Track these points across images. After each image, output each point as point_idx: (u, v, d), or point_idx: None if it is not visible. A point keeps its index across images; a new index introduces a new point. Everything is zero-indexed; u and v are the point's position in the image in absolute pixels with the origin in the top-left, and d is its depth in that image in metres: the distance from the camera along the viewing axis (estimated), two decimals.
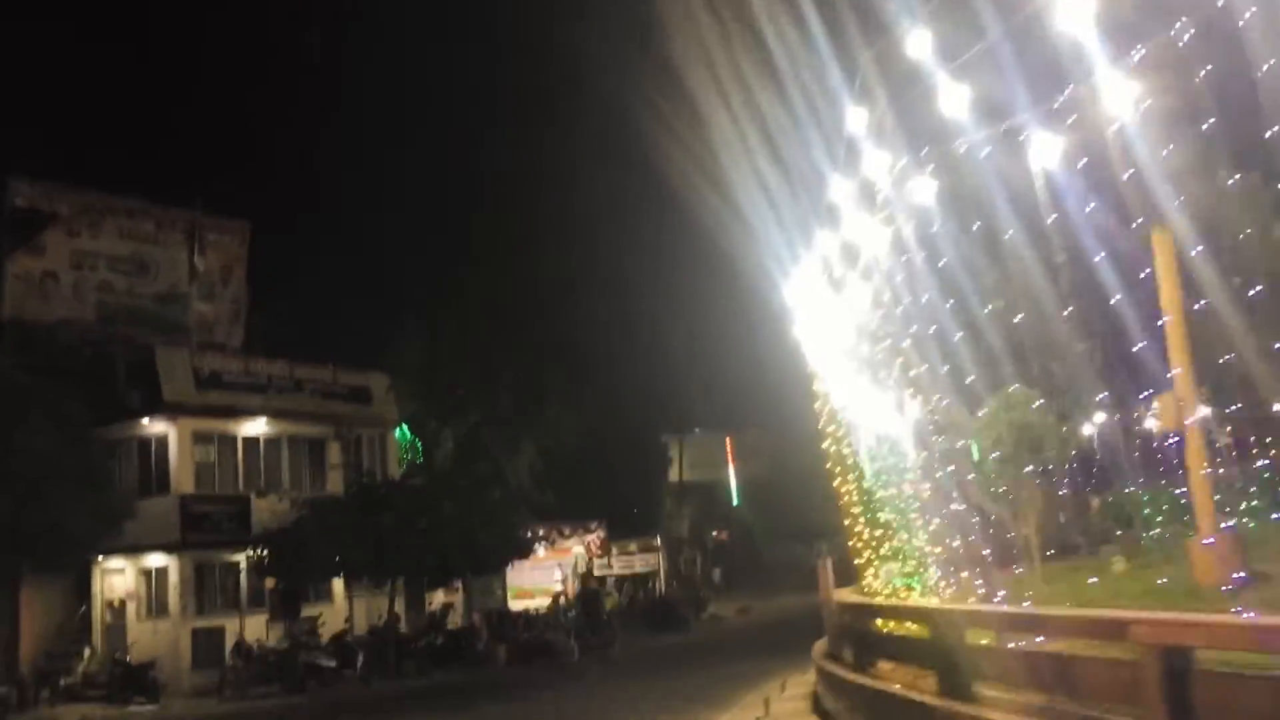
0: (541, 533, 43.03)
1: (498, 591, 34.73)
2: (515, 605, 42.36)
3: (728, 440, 76.86)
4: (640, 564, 47.27)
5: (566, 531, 43.39)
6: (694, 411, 63.33)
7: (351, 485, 29.78)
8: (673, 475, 65.51)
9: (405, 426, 47.54)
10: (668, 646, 29.36)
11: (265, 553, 26.78)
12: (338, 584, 29.57)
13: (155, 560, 27.85)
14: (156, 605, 27.90)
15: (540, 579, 44.46)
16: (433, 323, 48.28)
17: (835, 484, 17.11)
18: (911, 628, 10.83)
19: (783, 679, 17.33)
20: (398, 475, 34.42)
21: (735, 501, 79.61)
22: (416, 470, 37.03)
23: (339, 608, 29.22)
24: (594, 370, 50.24)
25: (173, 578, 27.31)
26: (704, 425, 72.83)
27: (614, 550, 46.59)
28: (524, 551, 33.43)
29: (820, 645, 15.89)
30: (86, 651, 26.44)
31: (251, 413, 29.59)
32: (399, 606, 29.33)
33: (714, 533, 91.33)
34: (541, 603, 40.98)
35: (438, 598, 32.26)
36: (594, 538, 44.36)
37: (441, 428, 47.19)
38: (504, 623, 31.68)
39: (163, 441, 28.41)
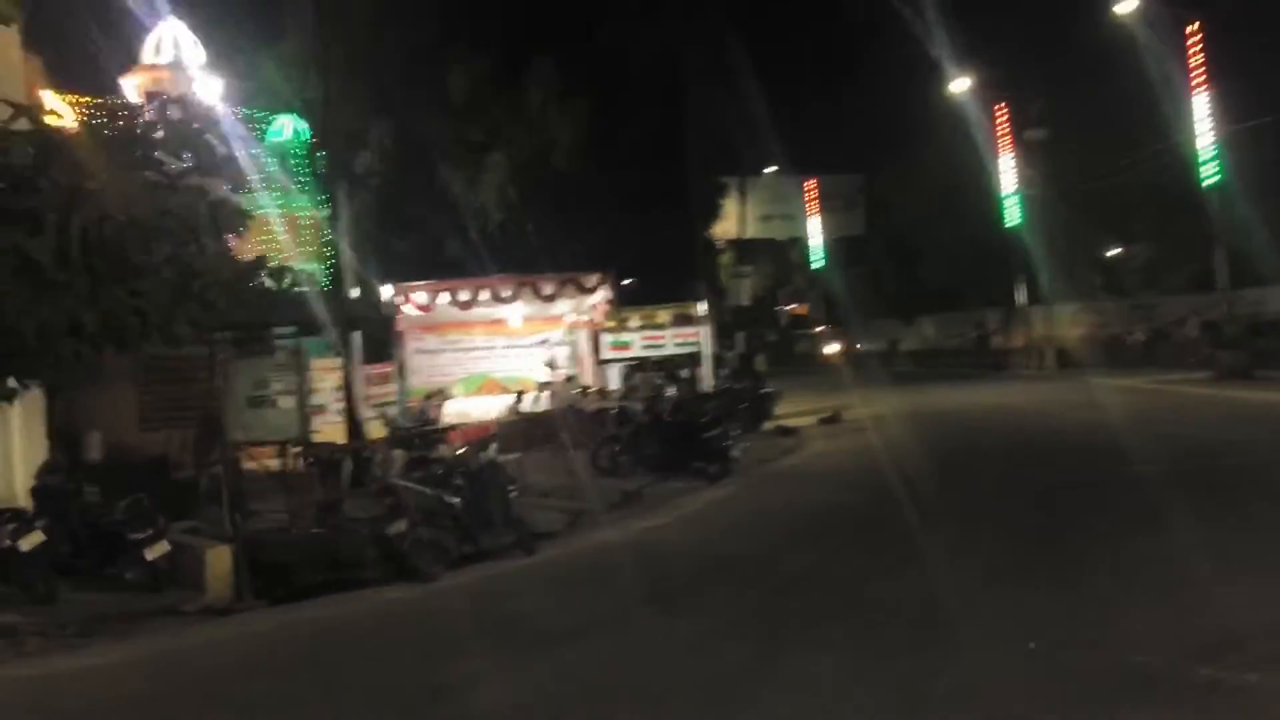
0: (506, 292, 26.29)
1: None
2: (452, 410, 26.15)
3: (807, 186, 58.57)
4: (674, 342, 30.35)
5: (548, 289, 26.39)
6: (763, 145, 44.88)
7: None
8: (727, 226, 47.87)
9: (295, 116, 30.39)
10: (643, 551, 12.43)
11: None
12: None
13: None
14: None
15: (513, 362, 28.10)
16: None
17: None
18: None
19: None
20: None
21: (818, 263, 62.21)
22: None
23: None
24: (604, 57, 31.56)
25: None
26: (778, 162, 54.55)
27: (636, 320, 29.75)
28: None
29: None
30: None
31: None
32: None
33: (780, 307, 73.89)
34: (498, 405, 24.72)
35: None
36: (598, 299, 27.36)
37: (364, 129, 29.76)
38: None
39: None
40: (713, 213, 37.27)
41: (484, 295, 26.13)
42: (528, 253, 28.91)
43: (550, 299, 26.61)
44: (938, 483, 14.96)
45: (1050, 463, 16.57)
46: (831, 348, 53.36)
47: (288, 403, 12.81)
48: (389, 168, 28.67)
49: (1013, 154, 41.27)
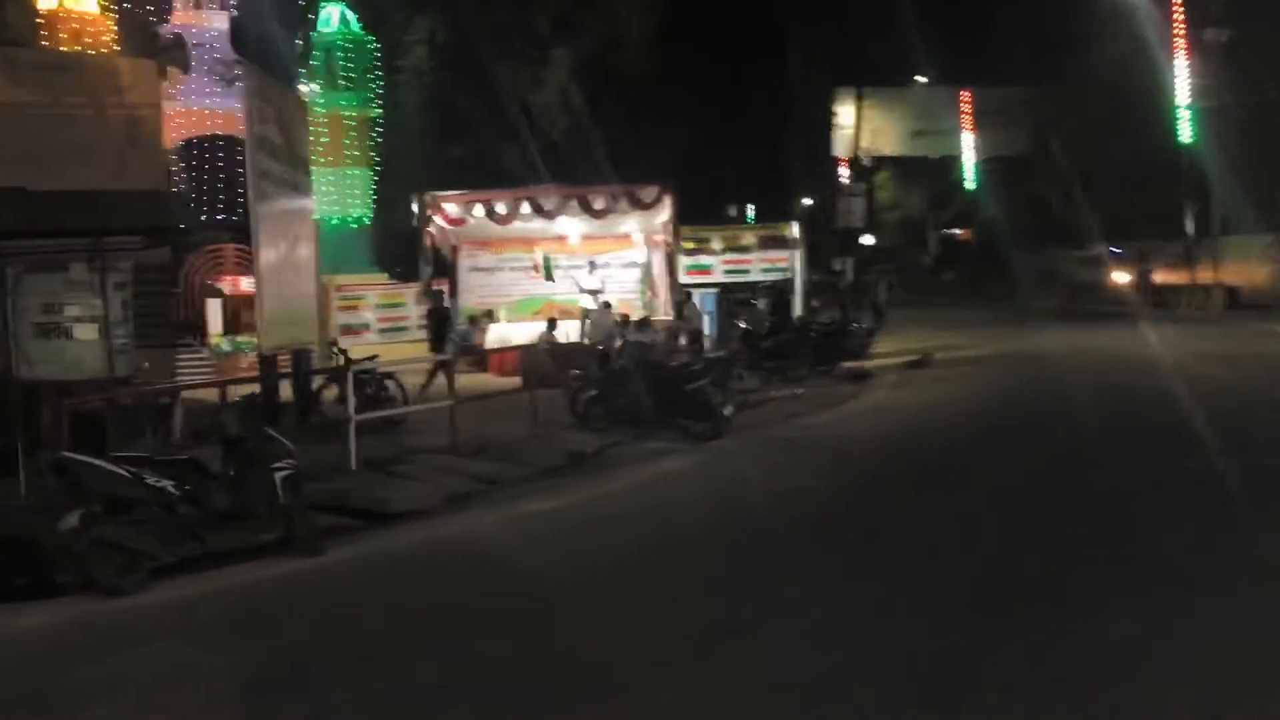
0: (549, 204, 23.31)
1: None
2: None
3: (964, 96, 52.92)
4: (760, 267, 27.14)
5: (599, 203, 23.31)
6: (909, 52, 40.08)
7: None
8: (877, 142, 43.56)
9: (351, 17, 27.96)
10: None
11: None
12: None
13: None
14: None
15: (560, 284, 24.97)
16: None
17: None
18: None
19: None
20: None
21: (972, 184, 56.57)
22: None
23: None
24: None
25: None
26: (927, 73, 49.29)
27: (715, 242, 26.77)
28: None
29: None
30: None
31: None
32: None
33: (942, 230, 68.18)
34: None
35: None
36: (664, 219, 24.15)
37: (407, 21, 27.14)
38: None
39: None
40: (825, 124, 33.03)
41: (525, 208, 23.33)
42: (595, 164, 25.88)
43: (602, 213, 23.57)
44: (948, 468, 11.61)
45: (1116, 439, 12.60)
46: (1120, 276, 41.96)
47: (86, 332, 10.43)
48: (439, 64, 26.04)
49: (1188, 59, 35.32)
